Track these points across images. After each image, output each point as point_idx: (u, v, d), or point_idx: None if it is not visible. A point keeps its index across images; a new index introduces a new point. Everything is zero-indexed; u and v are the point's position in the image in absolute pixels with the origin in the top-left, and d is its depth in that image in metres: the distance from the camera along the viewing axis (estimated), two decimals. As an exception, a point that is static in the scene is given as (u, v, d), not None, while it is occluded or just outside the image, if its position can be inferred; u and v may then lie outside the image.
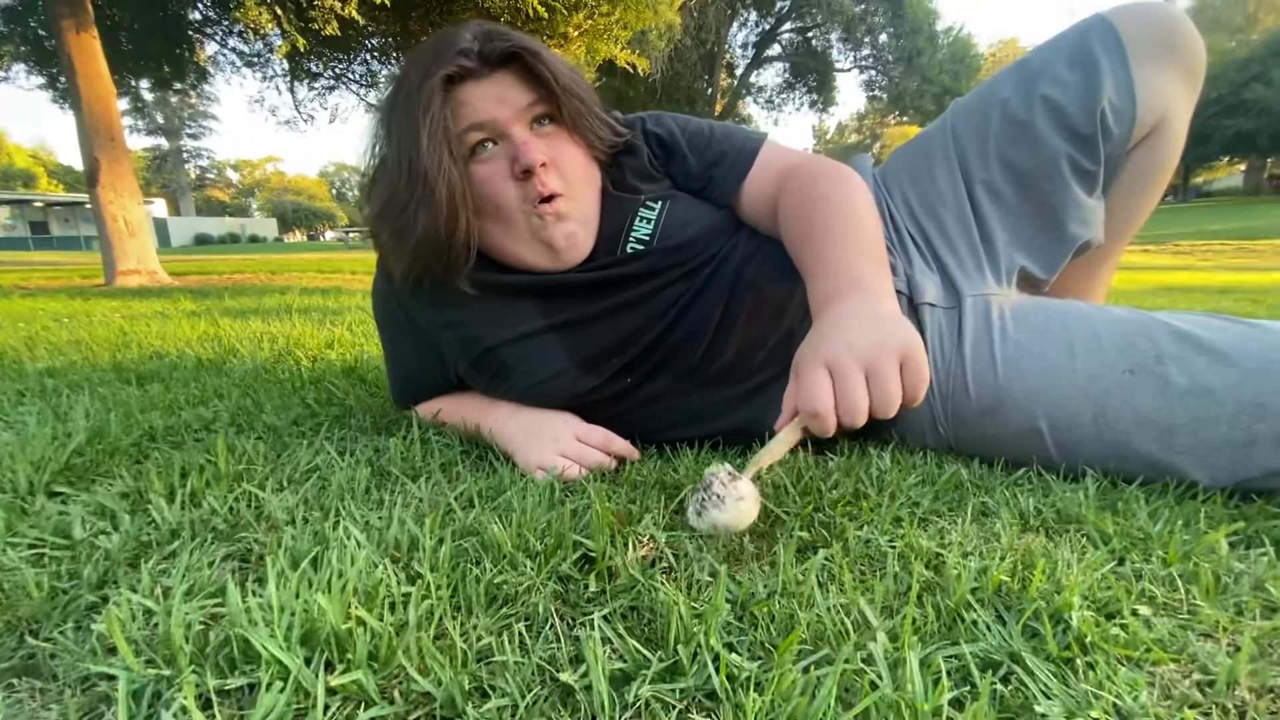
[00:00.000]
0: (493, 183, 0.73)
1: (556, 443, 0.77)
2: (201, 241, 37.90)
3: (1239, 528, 0.60)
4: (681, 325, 0.79)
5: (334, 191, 67.47)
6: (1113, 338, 0.72)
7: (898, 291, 0.80)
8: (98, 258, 5.66)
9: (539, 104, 0.74)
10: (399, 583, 0.50)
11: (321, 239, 50.80)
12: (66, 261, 12.13)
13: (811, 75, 29.36)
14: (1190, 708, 0.39)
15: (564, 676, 0.40)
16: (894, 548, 0.56)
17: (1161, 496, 0.68)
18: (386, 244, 0.78)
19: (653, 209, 0.80)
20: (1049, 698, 0.39)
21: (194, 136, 49.84)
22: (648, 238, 0.79)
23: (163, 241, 34.74)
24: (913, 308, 0.80)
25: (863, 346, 0.56)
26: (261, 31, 5.48)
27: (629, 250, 0.79)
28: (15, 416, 1.03)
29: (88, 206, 5.60)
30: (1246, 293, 3.47)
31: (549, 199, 0.74)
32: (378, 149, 0.78)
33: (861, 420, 0.54)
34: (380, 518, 0.63)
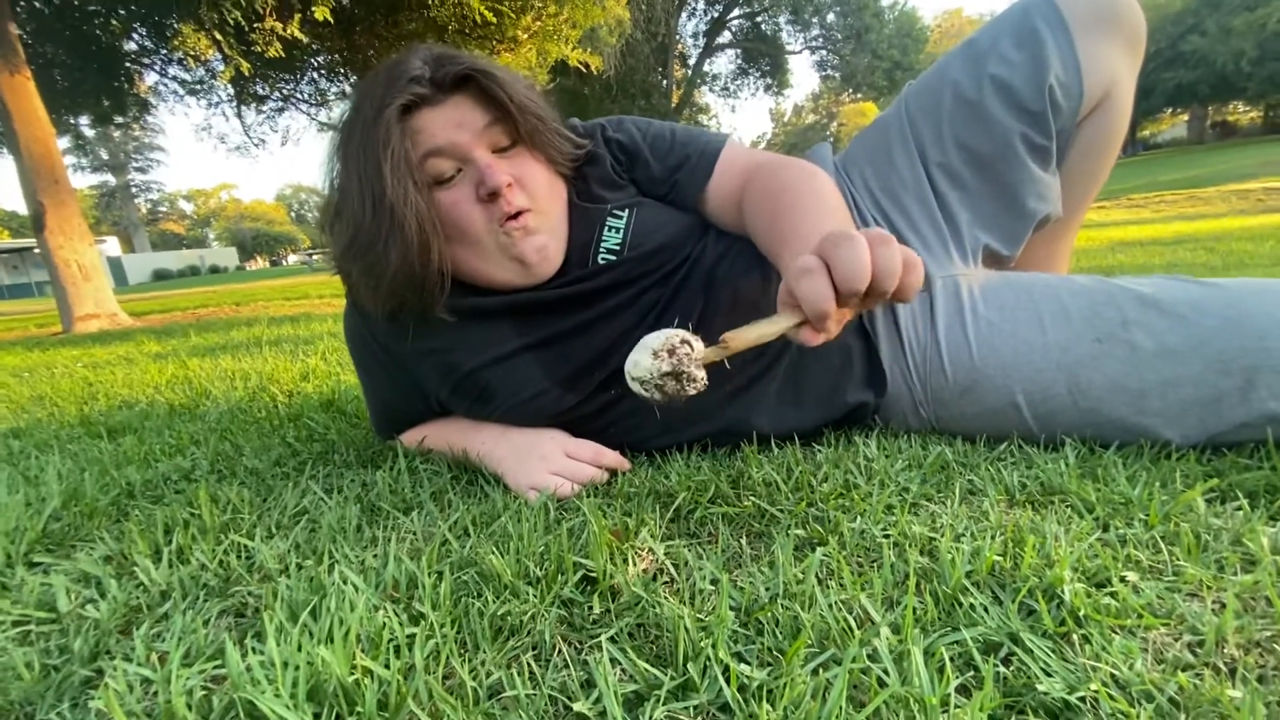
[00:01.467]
0: (459, 208, 0.73)
1: (546, 461, 0.77)
2: (160, 277, 36.85)
3: (1213, 484, 0.62)
4: (660, 332, 0.79)
5: (293, 214, 66.01)
6: (1079, 308, 0.74)
7: None
8: (53, 304, 5.48)
9: (496, 124, 0.74)
10: (401, 625, 0.49)
11: (284, 264, 49.79)
12: (20, 310, 11.73)
13: (764, 59, 29.52)
14: (1183, 670, 0.40)
15: (578, 706, 0.41)
16: (888, 537, 0.57)
17: (1138, 459, 0.70)
18: (357, 280, 0.77)
19: (620, 217, 0.80)
20: (1050, 675, 0.40)
21: (142, 170, 48.39)
22: (618, 247, 0.79)
23: (119, 281, 33.79)
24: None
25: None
26: (202, 58, 5.33)
27: (600, 261, 0.79)
28: (-17, 484, 0.99)
29: (37, 252, 5.41)
30: (1200, 241, 3.57)
31: (516, 215, 0.74)
32: (335, 182, 0.77)
33: (865, 276, 0.49)
34: (375, 556, 0.62)
